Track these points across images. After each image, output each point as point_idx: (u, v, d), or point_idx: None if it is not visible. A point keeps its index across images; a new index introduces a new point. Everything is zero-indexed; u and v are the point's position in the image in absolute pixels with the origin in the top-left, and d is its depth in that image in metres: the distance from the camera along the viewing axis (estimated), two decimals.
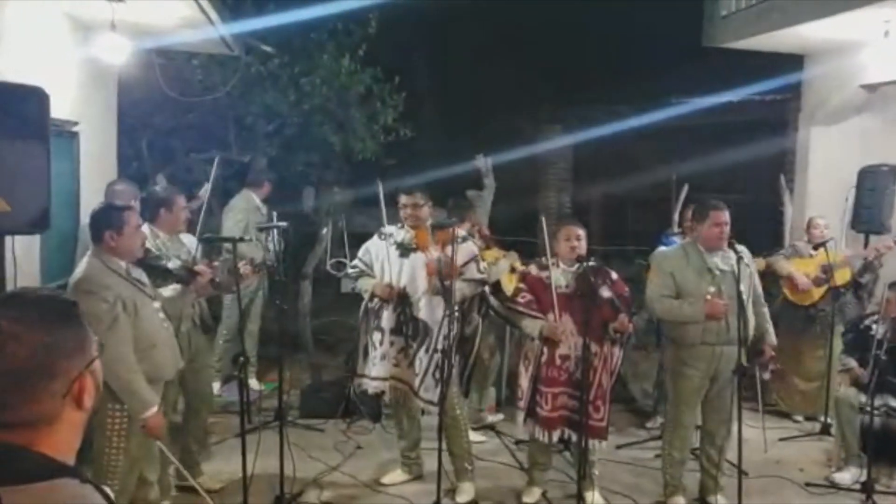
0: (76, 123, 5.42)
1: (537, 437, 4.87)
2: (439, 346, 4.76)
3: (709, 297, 4.61)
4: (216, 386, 6.43)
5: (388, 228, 5.06)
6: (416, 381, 4.94)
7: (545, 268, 4.88)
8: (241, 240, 4.81)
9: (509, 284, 5.66)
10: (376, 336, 5.02)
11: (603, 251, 4.92)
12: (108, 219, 3.77)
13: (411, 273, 4.91)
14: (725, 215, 4.76)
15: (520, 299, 4.88)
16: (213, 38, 5.66)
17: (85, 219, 5.69)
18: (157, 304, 3.90)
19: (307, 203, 8.52)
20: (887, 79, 6.52)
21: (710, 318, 4.62)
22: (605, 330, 4.69)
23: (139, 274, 3.89)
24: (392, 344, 4.97)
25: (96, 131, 5.99)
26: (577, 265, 4.79)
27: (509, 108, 11.02)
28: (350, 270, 5.20)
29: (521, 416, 4.91)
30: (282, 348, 5.58)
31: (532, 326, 4.75)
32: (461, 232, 5.00)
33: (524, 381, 4.88)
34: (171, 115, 7.70)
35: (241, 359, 4.08)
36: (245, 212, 6.73)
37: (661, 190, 8.86)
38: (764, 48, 7.04)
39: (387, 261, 4.97)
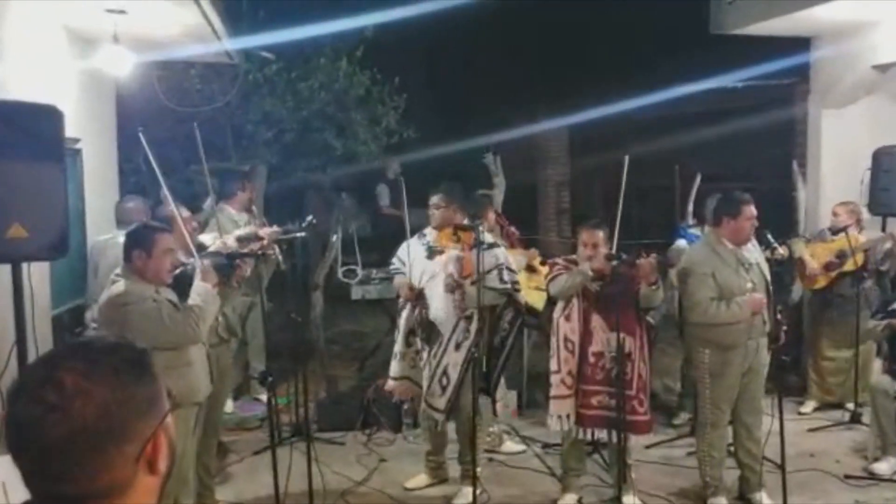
0: (78, 140, 5.24)
1: (571, 433, 4.73)
2: (451, 353, 4.75)
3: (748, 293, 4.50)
4: (228, 403, 6.24)
5: (427, 229, 5.08)
6: (425, 386, 4.91)
7: (573, 262, 4.77)
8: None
9: (528, 288, 5.55)
10: (398, 335, 5.07)
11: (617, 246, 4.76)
12: (138, 239, 3.71)
13: (433, 275, 4.88)
14: (754, 208, 4.66)
15: (557, 271, 4.75)
16: (214, 47, 5.48)
17: (92, 238, 5.54)
18: None
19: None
20: None
21: (753, 314, 4.53)
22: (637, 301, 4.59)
23: (169, 294, 3.76)
24: (409, 345, 4.99)
25: (98, 147, 5.82)
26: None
27: (508, 100, 10.87)
28: (390, 268, 5.26)
29: (551, 406, 4.74)
30: (298, 361, 5.46)
31: (579, 270, 4.61)
32: (488, 236, 4.90)
33: (573, 365, 4.67)
34: (168, 126, 7.50)
35: (269, 378, 3.90)
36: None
37: (666, 179, 8.75)
38: (772, 33, 6.91)
39: (416, 260, 4.99)
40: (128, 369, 1.22)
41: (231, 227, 6.08)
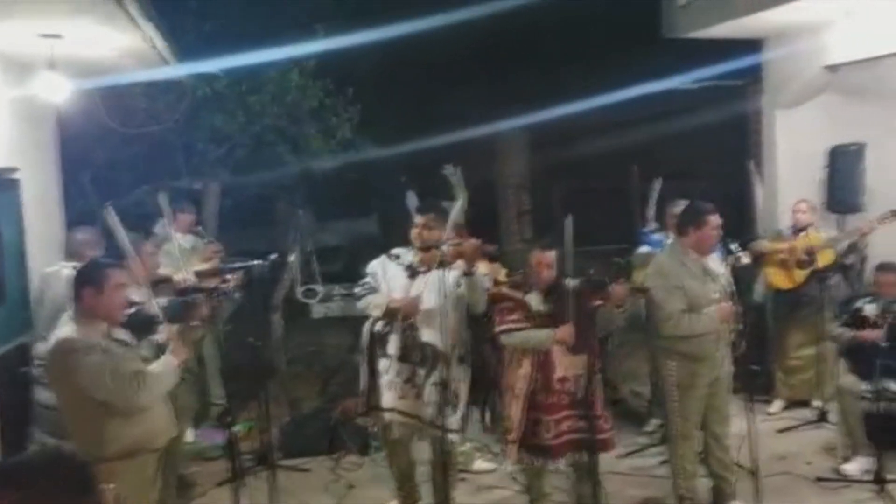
0: (15, 170, 5.00)
1: (539, 466, 4.59)
2: (455, 368, 4.56)
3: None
4: (188, 432, 6.03)
5: (398, 250, 4.84)
6: (429, 412, 4.61)
7: (518, 287, 4.65)
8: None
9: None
10: (383, 363, 4.71)
11: (578, 252, 4.67)
12: (88, 275, 3.51)
13: (418, 296, 4.63)
14: (719, 217, 4.61)
15: (514, 317, 4.53)
16: (159, 72, 5.28)
17: (37, 270, 5.30)
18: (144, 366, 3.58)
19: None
20: (850, 58, 6.46)
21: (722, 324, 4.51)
22: (597, 316, 4.47)
23: (122, 335, 3.57)
24: (399, 373, 4.67)
25: (37, 175, 5.57)
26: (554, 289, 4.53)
27: (465, 105, 10.78)
28: (357, 289, 4.89)
29: (512, 449, 4.56)
30: (258, 385, 5.28)
31: (541, 337, 4.43)
32: (484, 270, 4.73)
33: (514, 413, 4.51)
34: (115, 146, 7.27)
35: (229, 418, 3.73)
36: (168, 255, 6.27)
37: (623, 180, 8.75)
38: (724, 35, 6.92)
39: (394, 282, 4.73)
40: (66, 489, 1.08)
41: (179, 253, 5.86)
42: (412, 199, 7.67)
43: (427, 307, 4.59)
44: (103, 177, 7.59)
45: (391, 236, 7.83)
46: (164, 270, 5.04)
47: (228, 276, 5.14)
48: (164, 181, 7.69)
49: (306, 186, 8.81)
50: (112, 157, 7.28)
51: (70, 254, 5.06)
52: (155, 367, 3.58)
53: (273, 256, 4.97)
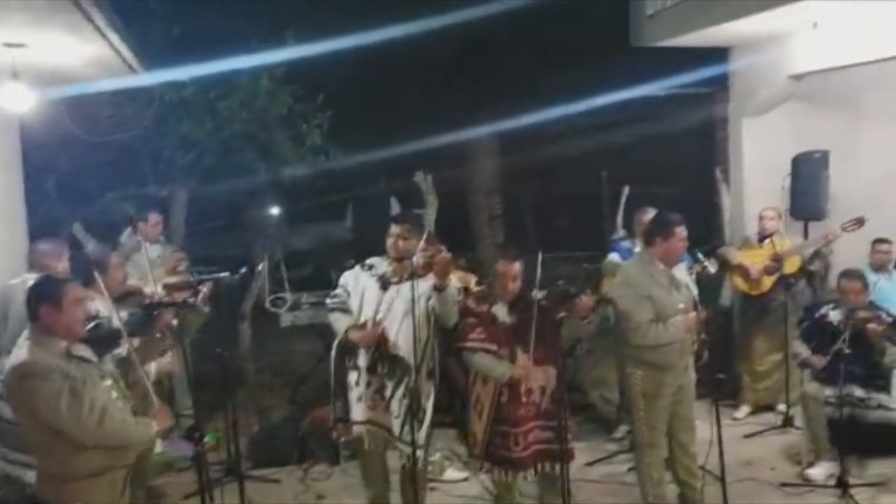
0: None
1: (508, 479, 4.57)
2: (424, 382, 4.51)
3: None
4: (157, 443, 5.95)
5: (372, 260, 4.76)
6: (397, 425, 4.59)
7: (484, 300, 4.65)
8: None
9: None
10: (352, 375, 4.67)
11: (549, 258, 4.67)
12: (44, 292, 3.40)
13: (390, 307, 4.59)
14: (685, 229, 4.66)
15: (476, 335, 4.51)
16: (126, 81, 5.22)
17: (1, 282, 5.21)
18: (108, 383, 3.50)
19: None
20: (815, 68, 6.57)
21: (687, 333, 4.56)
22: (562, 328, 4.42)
23: (83, 351, 3.48)
24: (368, 384, 4.63)
25: (1, 185, 5.48)
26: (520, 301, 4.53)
27: (435, 111, 10.79)
28: (329, 301, 4.82)
29: (478, 463, 4.57)
30: (227, 395, 5.23)
31: (500, 371, 4.41)
32: (455, 282, 4.70)
33: (478, 427, 4.51)
34: (80, 153, 7.17)
35: (197, 434, 3.70)
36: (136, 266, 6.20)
37: (592, 186, 8.82)
38: (691, 44, 7.01)
39: (366, 293, 4.66)
40: None
41: (146, 264, 5.78)
42: (395, 206, 7.62)
43: (397, 319, 4.58)
44: (68, 184, 7.49)
45: (363, 241, 7.82)
46: (132, 282, 4.99)
47: (202, 288, 5.08)
48: (130, 188, 7.62)
49: (276, 192, 8.75)
50: (77, 164, 7.18)
51: (33, 265, 4.98)
52: (132, 419, 3.49)
53: (243, 270, 4.92)
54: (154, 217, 6.36)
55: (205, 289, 5.01)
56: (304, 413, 6.32)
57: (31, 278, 4.81)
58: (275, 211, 8.10)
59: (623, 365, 4.93)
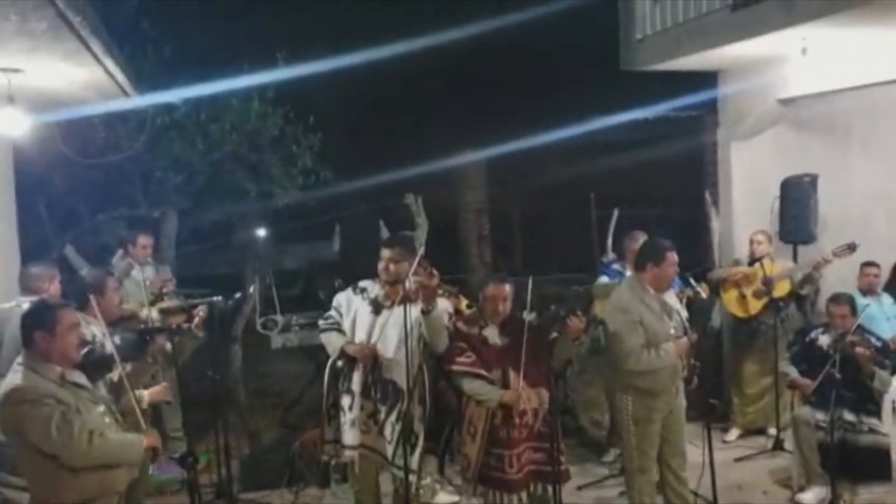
0: None
1: (500, 501, 4.54)
2: (416, 407, 4.52)
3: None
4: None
5: (364, 283, 4.76)
6: (390, 450, 4.59)
7: (474, 322, 4.67)
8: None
9: None
10: (346, 399, 4.66)
11: (541, 280, 4.69)
12: (38, 318, 3.42)
13: (382, 331, 4.59)
14: (676, 255, 4.70)
15: (464, 359, 4.51)
16: (119, 103, 5.22)
17: None
18: (101, 408, 3.50)
19: None
20: (804, 92, 6.64)
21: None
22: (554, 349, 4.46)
23: (77, 377, 3.48)
24: (362, 408, 4.62)
25: None
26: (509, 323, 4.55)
27: (425, 133, 10.84)
28: (321, 322, 4.81)
29: (470, 487, 4.55)
30: (217, 416, 5.20)
31: (490, 395, 4.42)
32: (446, 305, 4.70)
33: (472, 450, 4.50)
34: (72, 173, 7.14)
35: (190, 459, 3.68)
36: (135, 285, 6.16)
37: (581, 208, 8.85)
38: (680, 68, 7.07)
39: (358, 317, 4.67)
40: None
41: (134, 289, 5.74)
42: (384, 229, 7.63)
43: (390, 344, 4.57)
44: (59, 204, 7.46)
45: (352, 262, 7.80)
46: (127, 306, 4.97)
47: (197, 312, 5.07)
48: (121, 209, 7.60)
49: (266, 212, 8.74)
50: (69, 185, 7.15)
51: (26, 289, 4.97)
52: (121, 436, 3.50)
53: (237, 296, 4.92)
54: (143, 239, 6.35)
55: (201, 313, 5.00)
56: (295, 436, 6.30)
57: (24, 301, 4.81)
58: (264, 232, 8.09)
59: (613, 390, 4.95)
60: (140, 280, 5.59)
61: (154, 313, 4.45)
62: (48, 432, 3.24)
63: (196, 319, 4.83)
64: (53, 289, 4.97)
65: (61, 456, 3.31)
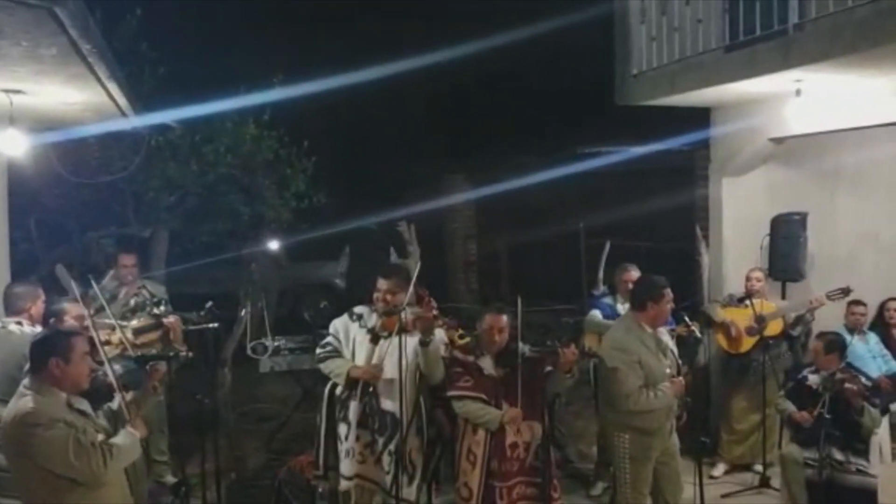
0: None
1: None
2: (412, 438, 4.50)
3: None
4: None
5: (360, 309, 4.75)
6: (388, 480, 4.56)
7: (470, 351, 4.67)
8: None
9: None
10: (342, 429, 4.65)
11: (531, 312, 4.71)
12: (53, 345, 3.42)
13: (379, 361, 4.57)
14: (670, 290, 4.72)
15: (463, 383, 4.54)
16: (118, 124, 5.21)
17: None
18: (101, 437, 3.49)
19: None
20: (796, 133, 6.72)
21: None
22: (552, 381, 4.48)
23: (81, 404, 3.49)
24: (358, 438, 4.60)
25: None
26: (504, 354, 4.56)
27: (415, 162, 10.89)
28: (320, 351, 4.76)
29: None
30: (205, 444, 5.13)
31: (489, 417, 4.46)
32: (441, 335, 4.69)
33: (472, 478, 4.49)
34: (64, 191, 7.11)
35: (182, 488, 3.65)
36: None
37: (570, 238, 8.89)
38: (674, 104, 7.15)
39: (357, 344, 4.64)
40: None
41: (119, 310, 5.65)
42: (393, 255, 7.60)
43: (387, 376, 4.56)
44: (50, 222, 7.42)
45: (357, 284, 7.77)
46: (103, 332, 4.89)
47: (171, 322, 4.96)
48: (111, 228, 7.56)
49: (258, 234, 8.73)
50: (61, 203, 7.11)
51: (9, 309, 4.89)
52: (119, 439, 3.51)
53: (235, 323, 4.88)
54: (125, 258, 6.17)
55: (173, 323, 4.90)
56: (281, 461, 6.25)
57: (10, 323, 4.75)
58: (258, 255, 8.08)
59: (608, 429, 4.94)
60: (127, 302, 5.56)
61: (128, 334, 4.39)
62: (66, 457, 3.27)
63: (171, 334, 4.74)
64: (36, 309, 4.88)
65: (79, 476, 3.34)
